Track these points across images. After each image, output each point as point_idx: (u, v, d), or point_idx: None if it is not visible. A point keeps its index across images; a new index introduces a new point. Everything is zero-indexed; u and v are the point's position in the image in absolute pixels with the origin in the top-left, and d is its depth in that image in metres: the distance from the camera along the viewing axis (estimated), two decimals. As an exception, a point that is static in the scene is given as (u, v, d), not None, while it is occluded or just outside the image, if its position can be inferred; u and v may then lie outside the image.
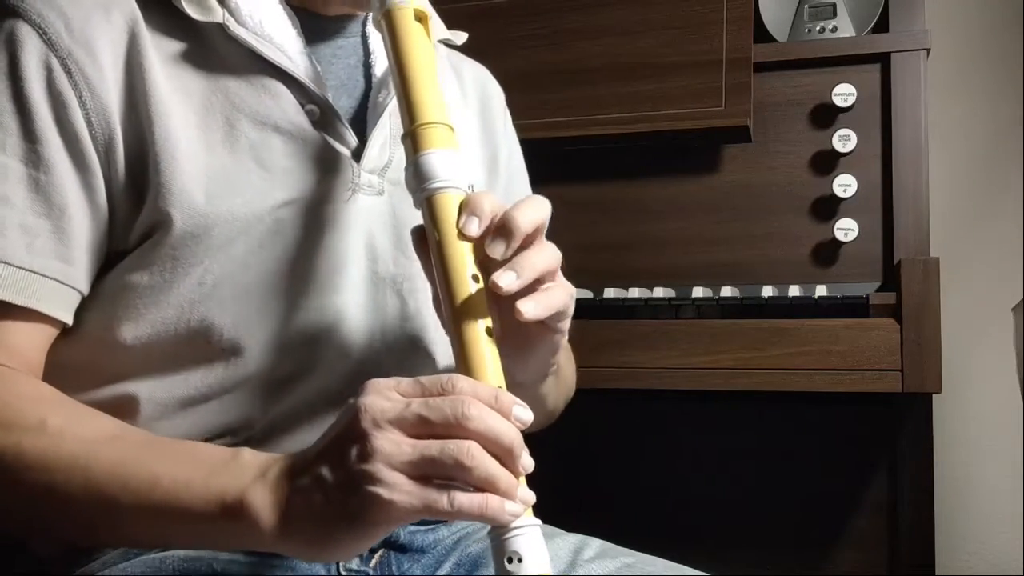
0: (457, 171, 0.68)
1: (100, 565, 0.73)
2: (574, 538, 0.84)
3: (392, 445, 0.57)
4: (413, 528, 0.81)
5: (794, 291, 1.39)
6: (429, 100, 0.70)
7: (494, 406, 0.59)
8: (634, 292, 1.47)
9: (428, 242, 0.68)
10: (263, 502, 0.61)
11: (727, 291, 1.42)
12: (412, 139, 0.69)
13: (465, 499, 0.57)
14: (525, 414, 0.61)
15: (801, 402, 1.59)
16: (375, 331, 0.80)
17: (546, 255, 0.67)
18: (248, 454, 0.65)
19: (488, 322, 0.64)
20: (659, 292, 1.48)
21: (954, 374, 1.67)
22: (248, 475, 0.62)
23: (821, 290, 1.37)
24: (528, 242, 0.66)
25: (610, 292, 1.45)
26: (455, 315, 0.64)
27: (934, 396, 1.46)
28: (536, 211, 0.66)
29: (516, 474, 0.60)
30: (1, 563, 0.78)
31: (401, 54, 0.72)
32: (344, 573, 0.76)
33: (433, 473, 0.58)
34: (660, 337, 1.32)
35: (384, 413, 0.58)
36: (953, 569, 1.76)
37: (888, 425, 1.52)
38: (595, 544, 0.83)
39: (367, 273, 0.80)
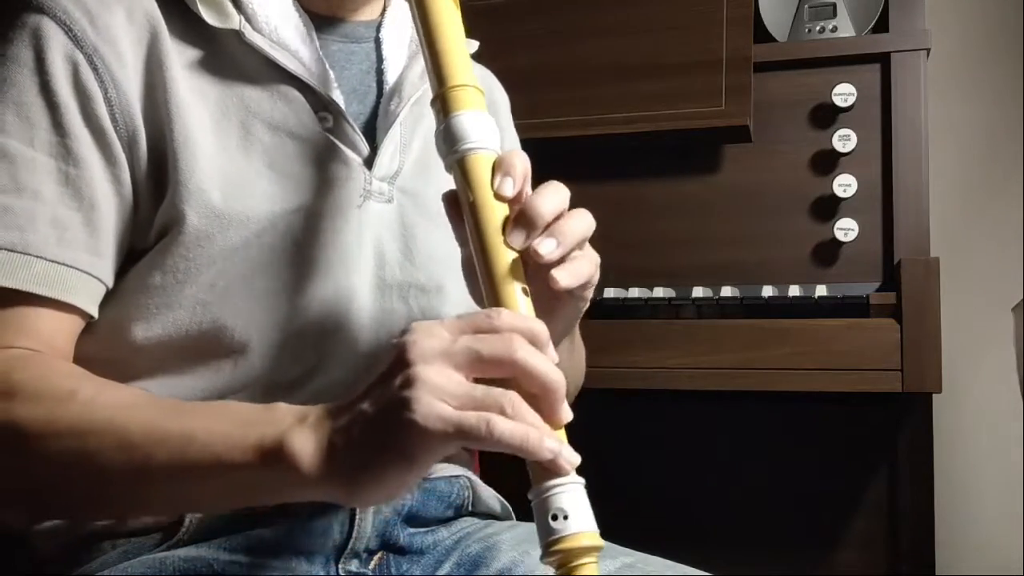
0: (488, 132, 0.68)
1: (99, 565, 0.73)
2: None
3: (439, 376, 0.57)
4: (412, 530, 0.81)
5: (794, 291, 1.39)
6: (458, 62, 0.69)
7: (539, 336, 0.60)
8: (634, 292, 1.47)
9: (461, 204, 0.67)
10: (303, 444, 0.60)
11: (727, 291, 1.42)
12: (442, 101, 0.68)
13: (507, 427, 0.56)
14: (555, 354, 0.62)
15: (801, 402, 1.59)
16: (382, 336, 0.80)
17: (584, 223, 0.67)
18: (284, 405, 0.64)
19: (523, 282, 0.64)
20: (659, 292, 1.48)
21: (954, 374, 1.67)
22: (287, 421, 0.61)
23: (821, 290, 1.37)
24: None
25: (610, 292, 1.46)
26: (492, 276, 0.64)
27: (934, 396, 1.46)
28: (557, 198, 0.66)
29: (558, 419, 0.60)
30: (1, 561, 0.78)
31: (428, 18, 0.71)
32: (343, 574, 0.76)
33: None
34: (660, 337, 1.32)
35: (432, 347, 0.58)
36: (953, 569, 1.76)
37: (888, 425, 1.52)
38: (595, 544, 0.83)
39: (374, 279, 0.80)
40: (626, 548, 0.83)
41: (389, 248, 0.81)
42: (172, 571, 0.71)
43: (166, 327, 0.73)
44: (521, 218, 0.65)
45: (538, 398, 0.59)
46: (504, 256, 0.64)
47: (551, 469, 0.59)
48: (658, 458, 1.68)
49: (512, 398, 0.57)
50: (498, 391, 0.57)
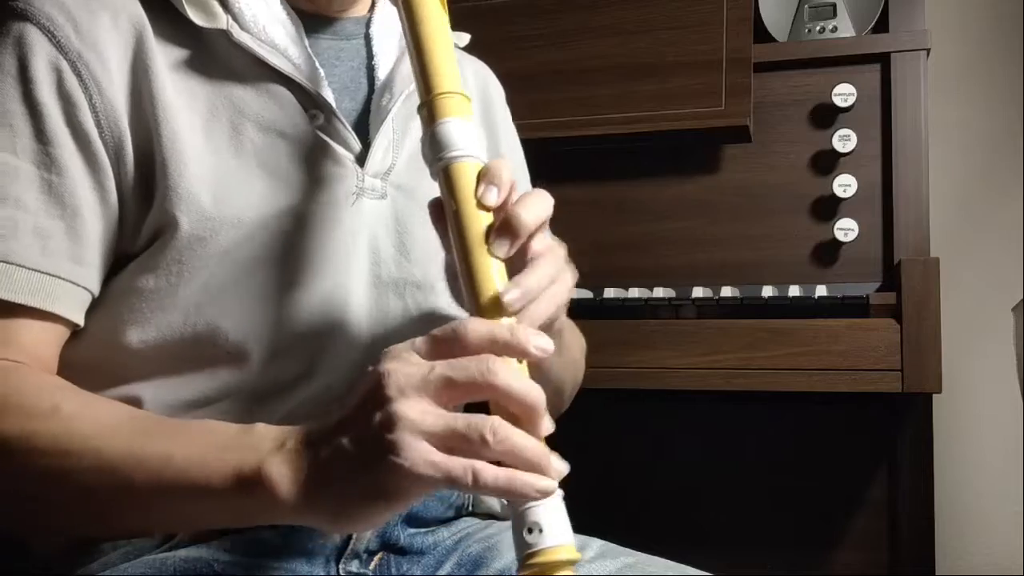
0: (474, 140, 0.68)
1: (100, 566, 0.73)
2: (574, 539, 0.84)
3: (418, 413, 0.56)
4: (413, 531, 0.81)
5: (794, 291, 1.39)
6: (445, 70, 0.69)
7: (512, 341, 0.59)
8: (634, 292, 1.47)
9: (445, 212, 0.67)
10: (281, 474, 0.60)
11: (727, 291, 1.42)
12: (428, 109, 0.68)
13: (490, 475, 0.56)
14: (544, 342, 0.60)
15: (801, 402, 1.59)
16: (378, 334, 0.80)
17: (555, 263, 0.66)
18: (262, 427, 0.64)
19: None
20: (659, 292, 1.48)
21: (954, 374, 1.67)
22: (265, 447, 0.61)
23: (821, 290, 1.37)
24: (531, 238, 0.66)
25: (610, 292, 1.45)
26: (474, 285, 0.64)
27: (934, 396, 1.46)
28: (540, 206, 0.66)
29: (538, 435, 0.59)
30: (1, 562, 0.78)
31: (416, 24, 0.71)
32: (343, 575, 0.76)
33: (458, 447, 0.57)
34: (660, 337, 1.32)
35: (409, 379, 0.57)
36: (953, 569, 1.76)
37: (888, 425, 1.53)
38: (595, 544, 0.83)
39: (370, 276, 0.80)
40: (627, 548, 0.83)
41: (384, 245, 0.81)
42: (172, 571, 0.71)
43: (160, 330, 0.73)
44: (505, 227, 0.64)
45: (519, 417, 0.59)
46: (487, 265, 0.64)
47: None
48: (658, 458, 1.68)
49: (494, 424, 0.57)
50: (478, 418, 0.57)
